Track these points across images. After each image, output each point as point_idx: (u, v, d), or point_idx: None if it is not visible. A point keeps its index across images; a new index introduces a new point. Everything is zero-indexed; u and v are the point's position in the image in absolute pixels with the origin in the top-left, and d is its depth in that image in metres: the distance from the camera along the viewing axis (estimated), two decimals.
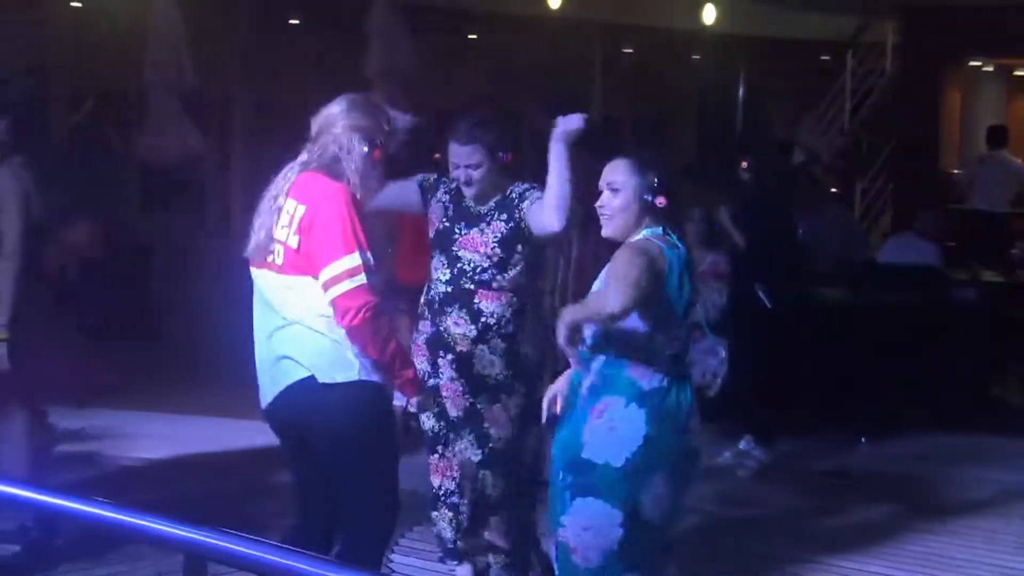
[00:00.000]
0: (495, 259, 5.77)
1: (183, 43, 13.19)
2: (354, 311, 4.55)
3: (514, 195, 5.81)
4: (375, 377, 4.71)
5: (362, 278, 4.58)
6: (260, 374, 4.88)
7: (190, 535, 2.95)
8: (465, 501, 5.99)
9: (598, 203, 4.90)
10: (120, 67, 15.65)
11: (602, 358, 4.88)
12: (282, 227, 4.71)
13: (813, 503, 8.00)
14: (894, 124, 17.06)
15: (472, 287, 5.79)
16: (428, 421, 6.00)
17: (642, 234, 4.84)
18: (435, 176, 6.04)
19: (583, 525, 4.82)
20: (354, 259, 4.58)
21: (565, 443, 4.92)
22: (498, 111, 6.24)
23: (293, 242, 4.66)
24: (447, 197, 5.93)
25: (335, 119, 4.82)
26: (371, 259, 4.63)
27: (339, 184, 4.71)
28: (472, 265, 5.79)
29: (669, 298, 4.78)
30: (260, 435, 5.67)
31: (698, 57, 20.68)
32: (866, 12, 17.72)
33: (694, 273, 4.94)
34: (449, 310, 5.82)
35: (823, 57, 20.11)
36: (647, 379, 4.78)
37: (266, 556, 2.85)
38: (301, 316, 4.68)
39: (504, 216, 5.80)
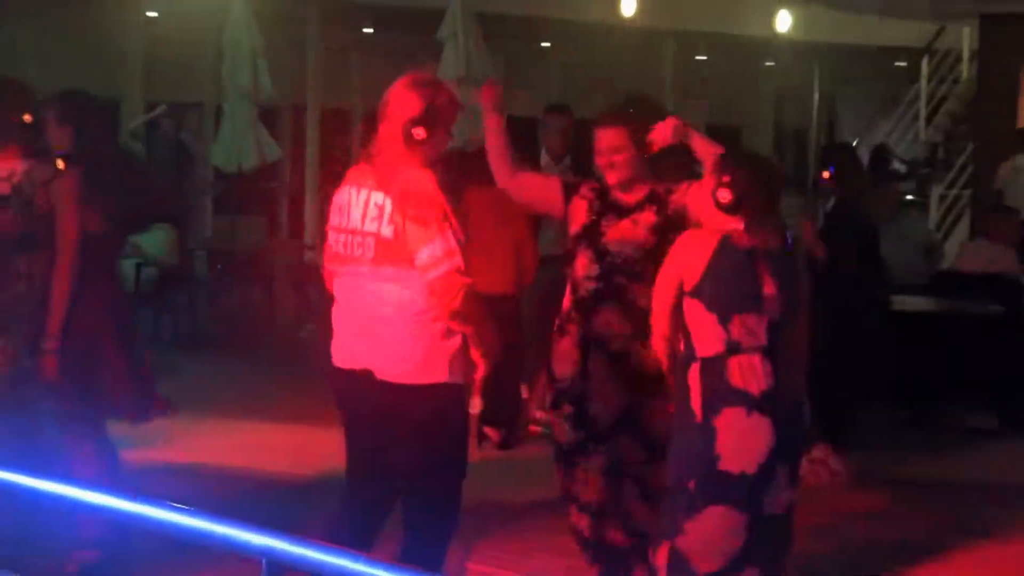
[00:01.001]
0: (648, 247, 5.53)
1: (259, 52, 13.29)
2: (453, 291, 4.61)
3: (662, 189, 5.65)
4: (459, 379, 4.76)
5: (457, 260, 4.63)
6: (344, 347, 4.89)
7: (271, 543, 2.95)
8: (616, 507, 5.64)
9: None
10: (195, 77, 15.83)
11: (696, 366, 4.93)
12: (371, 219, 4.72)
13: (887, 511, 7.93)
14: (971, 129, 16.90)
15: (625, 281, 5.58)
16: (570, 433, 5.67)
17: None
18: (574, 178, 5.95)
19: (710, 531, 4.85)
20: (449, 240, 4.62)
21: (696, 454, 4.92)
22: (645, 103, 6.15)
23: (387, 231, 4.68)
24: (592, 194, 5.76)
25: (391, 104, 4.81)
26: (462, 239, 4.67)
27: (422, 167, 4.72)
28: (623, 258, 5.58)
29: (734, 289, 4.87)
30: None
31: (772, 64, 20.61)
32: (943, 17, 17.56)
33: (770, 269, 5.01)
34: (601, 307, 5.59)
35: (898, 63, 19.97)
36: (752, 386, 4.85)
37: (351, 566, 2.83)
38: (395, 313, 4.71)
39: (655, 208, 5.61)
